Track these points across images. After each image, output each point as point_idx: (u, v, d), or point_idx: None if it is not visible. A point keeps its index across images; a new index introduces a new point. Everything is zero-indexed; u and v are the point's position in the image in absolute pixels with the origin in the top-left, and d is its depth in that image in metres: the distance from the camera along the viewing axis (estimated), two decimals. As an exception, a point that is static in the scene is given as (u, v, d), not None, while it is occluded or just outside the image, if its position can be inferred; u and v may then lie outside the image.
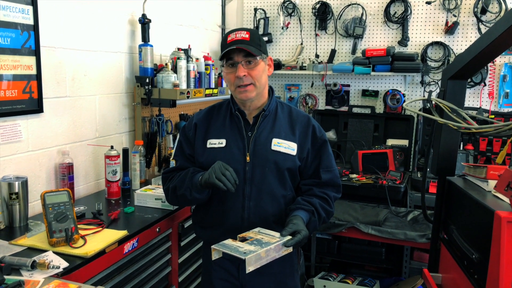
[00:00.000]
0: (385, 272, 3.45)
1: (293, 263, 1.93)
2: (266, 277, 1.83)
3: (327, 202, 1.84)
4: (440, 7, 3.63)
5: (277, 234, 1.60)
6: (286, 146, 1.80)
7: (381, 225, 2.93)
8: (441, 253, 2.21)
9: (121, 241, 1.89)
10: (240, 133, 1.81)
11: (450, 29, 3.58)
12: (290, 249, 1.58)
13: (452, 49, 3.64)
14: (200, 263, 2.68)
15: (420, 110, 3.66)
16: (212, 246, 1.54)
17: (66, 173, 2.30)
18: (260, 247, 1.51)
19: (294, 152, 1.81)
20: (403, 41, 3.72)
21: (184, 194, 1.80)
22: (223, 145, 1.81)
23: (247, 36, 1.73)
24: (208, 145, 1.83)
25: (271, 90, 1.90)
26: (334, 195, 1.88)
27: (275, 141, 1.80)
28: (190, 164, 1.90)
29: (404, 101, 3.71)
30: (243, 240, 1.60)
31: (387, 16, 3.75)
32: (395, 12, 3.75)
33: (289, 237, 1.59)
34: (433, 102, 2.05)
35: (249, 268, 1.45)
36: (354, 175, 3.46)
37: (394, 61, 3.60)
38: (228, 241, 1.59)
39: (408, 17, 3.70)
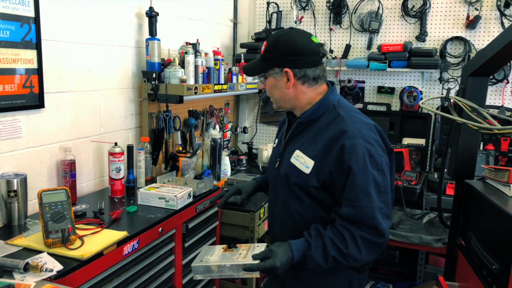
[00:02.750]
0: (398, 276, 3.34)
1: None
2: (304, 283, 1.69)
3: (344, 240, 1.47)
4: (461, 0, 3.47)
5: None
6: (302, 162, 1.59)
7: (395, 227, 2.82)
8: (458, 261, 2.08)
9: (121, 242, 1.82)
10: (282, 137, 1.78)
11: (472, 23, 3.42)
12: (255, 274, 1.47)
13: (473, 45, 3.48)
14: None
15: (438, 108, 3.51)
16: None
17: (68, 170, 2.24)
18: (221, 261, 1.51)
19: (307, 171, 1.56)
20: (421, 36, 3.57)
21: None
22: (275, 145, 1.85)
23: (263, 49, 1.63)
24: (274, 144, 1.89)
25: (326, 95, 1.64)
26: (365, 236, 1.46)
27: (296, 153, 1.62)
28: None
29: (421, 99, 3.56)
30: (230, 250, 1.63)
31: (405, 10, 3.61)
32: (413, 6, 3.59)
33: (256, 261, 1.46)
34: (452, 100, 1.92)
35: (196, 276, 1.52)
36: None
37: (411, 57, 3.45)
38: (218, 247, 1.65)
39: (427, 11, 3.55)
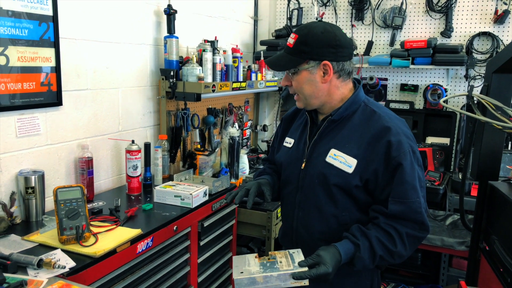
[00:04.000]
0: (420, 279, 3.25)
1: (358, 285, 1.63)
2: None
3: (391, 238, 1.45)
4: (488, -6, 3.34)
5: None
6: (342, 161, 1.52)
7: (416, 229, 2.73)
8: (480, 265, 2.00)
9: (134, 240, 1.82)
10: (305, 136, 1.66)
11: (500, 18, 3.29)
12: (304, 282, 1.38)
13: (501, 40, 3.35)
14: (221, 264, 2.60)
15: (463, 106, 3.40)
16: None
17: (86, 168, 2.26)
18: (265, 271, 1.38)
19: (350, 170, 1.50)
20: (447, 32, 3.46)
21: None
22: (290, 145, 1.72)
23: (292, 41, 1.53)
24: (284, 143, 1.77)
25: (355, 91, 1.60)
26: (410, 232, 1.46)
27: (332, 152, 1.54)
28: (273, 156, 1.89)
29: (446, 97, 3.45)
30: (266, 258, 1.48)
31: (429, 5, 3.50)
32: (438, 1, 3.48)
33: (305, 269, 1.38)
34: (475, 99, 1.84)
35: None
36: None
37: (435, 54, 3.35)
38: (249, 256, 1.50)
39: (453, 5, 3.43)
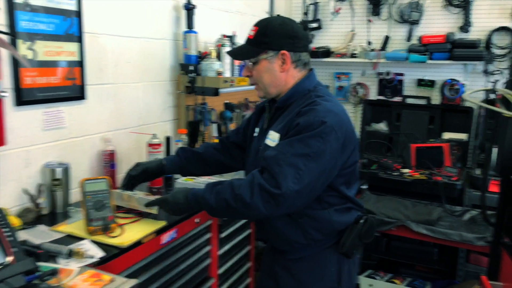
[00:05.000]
0: (437, 274, 3.25)
1: (329, 280, 1.70)
2: (295, 281, 1.71)
3: (240, 184, 1.49)
4: (508, -12, 3.31)
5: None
6: (271, 138, 1.63)
7: (434, 224, 2.73)
8: (502, 260, 2.00)
9: (159, 232, 1.85)
10: (263, 124, 1.77)
11: (519, 12, 3.26)
12: (152, 210, 1.81)
13: (521, 35, 3.32)
14: (241, 256, 2.63)
15: (482, 101, 3.38)
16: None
17: (109, 160, 2.30)
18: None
19: (274, 144, 1.60)
20: (465, 27, 3.43)
21: None
22: (256, 134, 1.80)
23: (252, 33, 1.65)
24: (254, 133, 1.82)
25: (303, 81, 1.67)
26: (262, 183, 1.45)
27: (269, 133, 1.66)
28: (235, 137, 2.00)
29: (464, 92, 3.43)
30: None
31: (448, -1, 3.48)
32: (457, -5, 3.46)
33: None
34: (499, 93, 1.84)
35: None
36: (406, 170, 3.26)
37: (453, 49, 3.34)
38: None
39: (472, 0, 3.40)
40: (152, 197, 1.84)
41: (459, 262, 3.02)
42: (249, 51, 1.66)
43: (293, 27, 1.64)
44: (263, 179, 1.47)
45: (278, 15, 1.76)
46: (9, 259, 1.37)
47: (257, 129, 1.82)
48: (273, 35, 1.61)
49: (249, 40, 1.67)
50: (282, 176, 1.44)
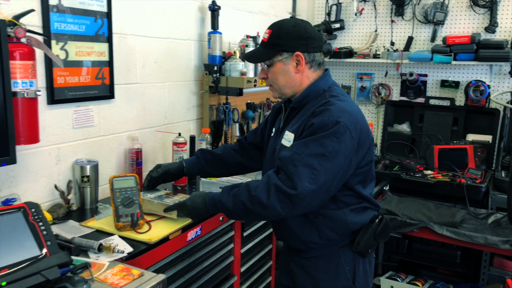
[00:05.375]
0: (459, 277, 3.22)
1: (343, 278, 1.71)
2: (310, 279, 1.74)
3: (256, 185, 1.52)
4: (536, -12, 3.26)
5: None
6: (287, 138, 1.66)
7: (457, 226, 2.71)
8: (528, 263, 1.98)
9: (185, 229, 1.89)
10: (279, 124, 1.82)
11: (547, 13, 3.20)
12: (171, 215, 1.86)
13: (548, 36, 3.26)
14: (263, 254, 2.66)
15: (509, 102, 3.33)
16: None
17: (135, 158, 2.35)
18: (153, 198, 1.95)
19: (289, 144, 1.63)
20: (491, 27, 3.39)
21: None
22: (273, 134, 1.84)
23: (267, 36, 1.67)
24: (272, 133, 1.87)
25: (318, 82, 1.69)
26: (278, 184, 1.48)
27: (285, 133, 1.69)
28: (253, 138, 2.04)
29: (489, 93, 3.39)
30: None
31: (473, 0, 3.44)
32: (483, -5, 3.42)
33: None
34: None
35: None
36: (429, 172, 3.24)
37: (479, 49, 3.29)
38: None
39: (498, 0, 3.36)
40: (172, 200, 1.92)
41: (482, 265, 2.99)
42: (263, 54, 1.68)
43: (306, 28, 1.66)
44: (279, 179, 1.49)
45: (291, 17, 1.79)
46: (44, 252, 1.43)
47: (274, 129, 1.86)
48: (286, 37, 1.63)
49: (263, 43, 1.69)
50: (297, 177, 1.46)
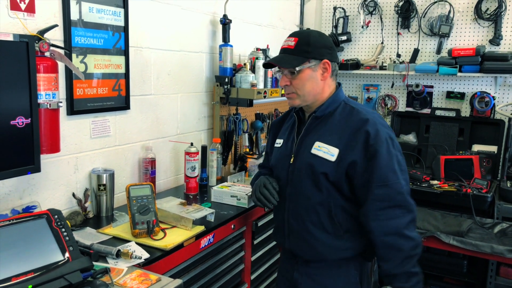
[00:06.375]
0: (466, 287, 3.24)
1: (352, 283, 1.79)
2: (318, 286, 1.79)
3: (400, 249, 1.60)
4: (540, 2, 3.33)
5: None
6: (325, 151, 1.68)
7: (464, 236, 2.75)
8: (534, 272, 2.02)
9: (198, 236, 1.95)
10: (293, 134, 1.83)
11: (551, 26, 3.27)
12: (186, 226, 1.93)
13: (552, 48, 3.32)
14: (272, 262, 2.70)
15: (512, 114, 3.38)
16: None
17: (149, 168, 2.42)
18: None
19: (332, 158, 1.66)
20: (495, 40, 3.45)
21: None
22: (280, 145, 1.88)
23: (292, 43, 1.70)
24: (275, 144, 1.92)
25: (336, 90, 1.78)
26: (402, 223, 1.61)
27: (316, 144, 1.71)
28: (268, 162, 2.03)
29: (494, 105, 3.44)
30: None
31: (478, 13, 3.50)
32: (487, 9, 3.48)
33: None
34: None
35: None
36: (435, 182, 3.28)
37: (484, 61, 3.35)
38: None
39: (502, 13, 3.43)
40: (186, 209, 2.03)
41: (489, 274, 3.02)
42: (294, 60, 1.69)
43: (329, 38, 1.78)
44: (399, 220, 1.60)
45: (308, 28, 1.84)
46: (67, 256, 1.49)
47: (279, 140, 1.89)
48: (315, 45, 1.69)
49: (289, 50, 1.70)
50: (407, 198, 1.63)
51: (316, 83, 1.72)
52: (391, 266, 1.62)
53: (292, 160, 1.77)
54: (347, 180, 1.68)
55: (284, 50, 1.73)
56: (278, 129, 1.96)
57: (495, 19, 3.45)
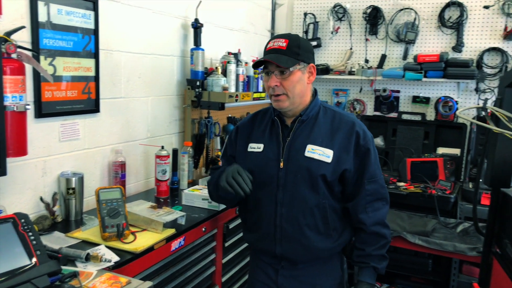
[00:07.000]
0: (431, 285, 3.35)
1: (337, 276, 1.88)
2: (305, 286, 1.82)
3: (377, 237, 1.79)
4: (498, 11, 3.48)
5: None
6: (320, 153, 1.72)
7: (429, 235, 2.84)
8: (493, 268, 2.11)
9: (169, 239, 1.95)
10: (277, 138, 1.79)
11: (509, 34, 3.43)
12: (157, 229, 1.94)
13: (510, 56, 3.48)
14: (243, 265, 2.72)
15: (474, 118, 3.52)
16: None
17: (119, 171, 2.40)
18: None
19: (328, 160, 1.71)
20: (458, 47, 3.60)
21: (212, 191, 1.94)
22: (260, 150, 1.82)
23: (284, 44, 1.69)
24: (249, 149, 1.85)
25: (314, 94, 1.83)
26: (384, 214, 1.82)
27: (309, 147, 1.73)
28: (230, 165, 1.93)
29: (457, 109, 3.59)
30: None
31: (441, 20, 3.65)
32: (450, 17, 3.63)
33: None
34: (489, 110, 1.97)
35: None
36: (401, 183, 3.38)
37: (447, 67, 3.49)
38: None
39: (464, 22, 3.58)
40: (156, 212, 2.04)
41: (452, 272, 3.13)
42: (288, 60, 1.68)
43: (310, 43, 1.85)
44: (381, 210, 1.80)
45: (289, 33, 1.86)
46: (34, 261, 1.47)
47: (258, 145, 1.82)
48: (304, 48, 1.72)
49: (282, 51, 1.68)
50: (387, 192, 1.84)
51: (304, 85, 1.74)
52: (372, 249, 1.78)
53: (282, 164, 1.75)
54: (341, 179, 1.76)
55: (275, 51, 1.69)
56: (248, 133, 1.90)
57: (457, 27, 3.60)
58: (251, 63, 3.26)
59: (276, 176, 1.76)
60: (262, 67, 1.76)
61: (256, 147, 1.83)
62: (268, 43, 1.75)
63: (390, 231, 1.86)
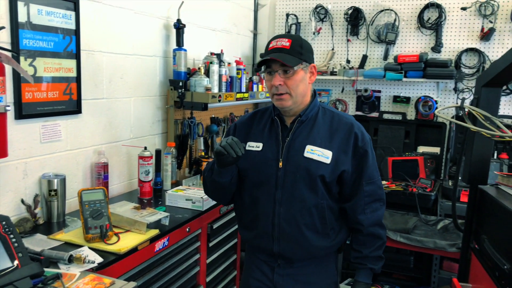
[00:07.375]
0: (413, 281, 3.41)
1: (332, 275, 1.89)
2: (300, 284, 1.83)
3: (379, 238, 1.83)
4: (476, 13, 3.57)
5: None
6: (319, 154, 1.73)
7: (410, 233, 2.90)
8: (471, 263, 2.17)
9: (153, 239, 1.95)
10: (277, 138, 1.79)
11: (486, 35, 3.51)
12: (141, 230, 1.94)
13: (487, 56, 3.56)
14: (228, 265, 2.73)
15: (453, 117, 3.60)
16: None
17: (102, 172, 2.39)
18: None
19: (328, 161, 1.72)
20: (437, 47, 3.67)
21: (207, 177, 1.85)
22: (260, 149, 1.81)
23: (287, 44, 1.69)
24: (247, 147, 1.83)
25: (314, 95, 1.84)
26: (380, 215, 1.84)
27: (308, 148, 1.74)
28: None
29: (437, 108, 3.66)
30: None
31: (421, 22, 3.72)
32: (429, 18, 3.70)
33: None
34: (466, 110, 2.02)
35: None
36: (383, 182, 3.43)
37: (427, 68, 3.56)
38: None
39: (442, 23, 3.65)
40: (140, 213, 2.05)
41: (433, 269, 3.19)
42: (292, 59, 1.69)
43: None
44: (379, 211, 1.82)
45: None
46: (16, 263, 1.46)
47: (257, 144, 1.82)
48: (306, 49, 1.74)
49: (286, 50, 1.69)
50: (384, 193, 1.86)
51: (306, 85, 1.76)
52: (369, 251, 1.81)
53: (281, 164, 1.75)
54: (338, 180, 1.77)
55: (279, 50, 1.69)
56: (247, 131, 1.88)
57: (436, 28, 3.67)
58: (234, 64, 3.28)
59: (275, 176, 1.76)
60: (265, 66, 1.76)
61: (255, 146, 1.83)
62: (269, 42, 1.74)
63: (386, 231, 1.90)
